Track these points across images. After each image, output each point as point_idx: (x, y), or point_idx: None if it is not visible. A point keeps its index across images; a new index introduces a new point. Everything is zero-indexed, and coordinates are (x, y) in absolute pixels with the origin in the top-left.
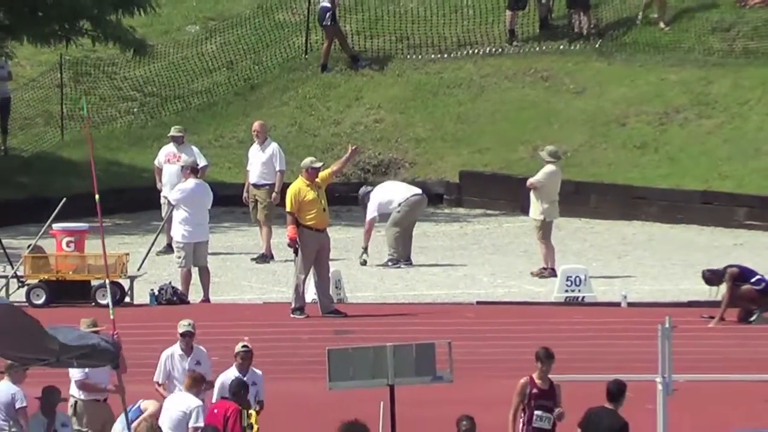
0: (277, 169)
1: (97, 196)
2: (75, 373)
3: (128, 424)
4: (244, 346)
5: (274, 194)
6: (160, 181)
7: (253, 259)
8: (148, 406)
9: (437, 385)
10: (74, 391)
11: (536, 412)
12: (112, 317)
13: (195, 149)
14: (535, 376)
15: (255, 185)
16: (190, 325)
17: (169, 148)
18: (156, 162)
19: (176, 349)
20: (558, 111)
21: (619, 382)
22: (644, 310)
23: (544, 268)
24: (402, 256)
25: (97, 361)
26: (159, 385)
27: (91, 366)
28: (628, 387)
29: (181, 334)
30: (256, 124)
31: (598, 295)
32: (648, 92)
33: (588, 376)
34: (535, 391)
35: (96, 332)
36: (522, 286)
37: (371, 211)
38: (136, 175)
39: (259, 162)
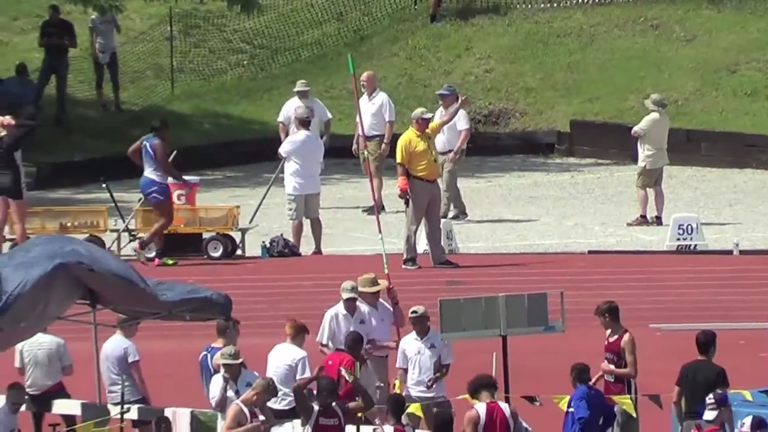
0: (387, 119)
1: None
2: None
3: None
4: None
5: (383, 145)
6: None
7: (363, 211)
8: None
9: (550, 335)
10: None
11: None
12: (386, 272)
13: (320, 103)
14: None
15: (366, 137)
16: (353, 289)
17: (295, 103)
18: (281, 118)
19: (340, 308)
20: (668, 59)
21: (708, 332)
22: (756, 258)
23: (643, 216)
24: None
25: (209, 314)
26: (323, 346)
27: (202, 319)
28: (741, 335)
29: (345, 300)
30: (364, 75)
31: (710, 244)
32: (759, 39)
33: (700, 324)
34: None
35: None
36: (633, 235)
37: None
38: (246, 127)
39: (369, 113)
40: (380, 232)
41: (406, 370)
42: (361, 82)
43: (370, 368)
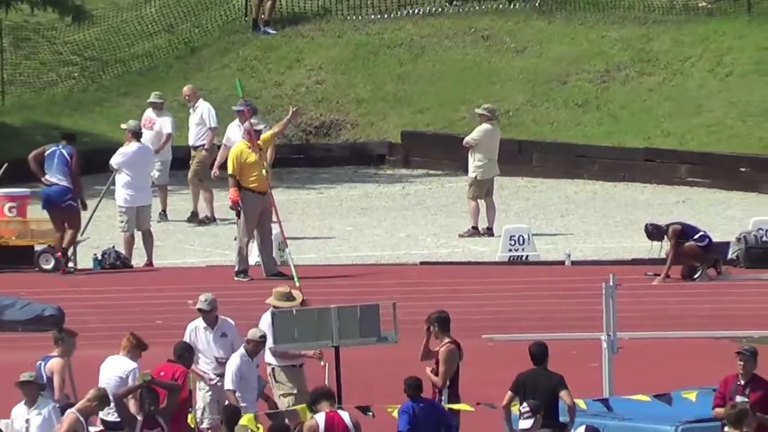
0: (209, 125)
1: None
2: (269, 342)
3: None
4: (204, 301)
5: (204, 152)
6: None
7: (199, 222)
8: (54, 366)
9: (382, 346)
10: (270, 358)
11: None
12: (297, 284)
13: (168, 117)
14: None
15: (192, 147)
16: (206, 301)
17: (148, 113)
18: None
19: (200, 322)
20: (499, 70)
21: (540, 343)
22: (588, 269)
23: (474, 228)
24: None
25: (43, 326)
26: None
27: (36, 330)
28: (574, 345)
29: (198, 310)
30: (185, 88)
31: (542, 254)
32: (589, 50)
33: (533, 335)
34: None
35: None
36: (465, 246)
37: None
38: (78, 140)
39: (193, 124)
40: (287, 246)
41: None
42: (184, 96)
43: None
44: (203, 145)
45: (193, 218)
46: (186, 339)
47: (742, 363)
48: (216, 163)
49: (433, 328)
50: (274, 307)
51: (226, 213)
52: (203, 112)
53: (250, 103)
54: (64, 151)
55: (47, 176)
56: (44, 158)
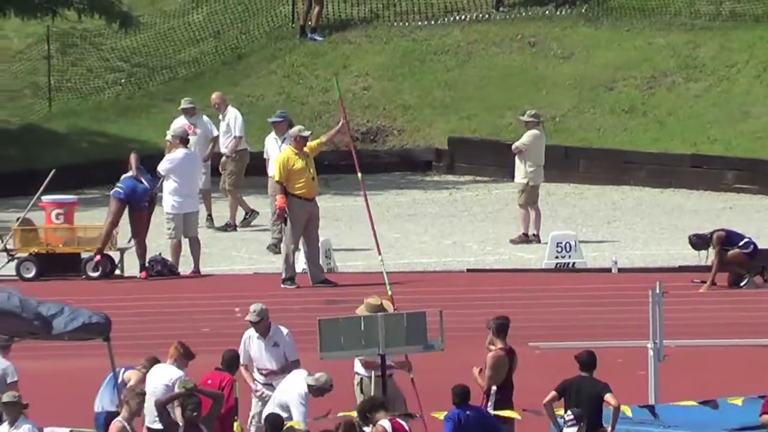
0: (234, 134)
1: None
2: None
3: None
4: (253, 312)
5: (223, 158)
6: None
7: (218, 228)
8: (131, 376)
9: (429, 354)
10: (358, 368)
11: None
12: (389, 293)
13: (206, 119)
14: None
15: (221, 154)
16: (254, 312)
17: (181, 121)
18: (168, 136)
19: (254, 331)
20: (545, 76)
21: (590, 352)
22: (635, 276)
23: (525, 234)
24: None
25: (89, 334)
26: (243, 366)
27: (82, 339)
28: (620, 353)
29: (249, 321)
30: (213, 96)
31: (589, 261)
32: (635, 56)
33: (579, 343)
34: None
35: None
36: (512, 253)
37: None
38: (123, 146)
39: (222, 131)
40: (380, 253)
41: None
42: (213, 105)
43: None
44: (239, 151)
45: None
46: (241, 347)
47: None
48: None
49: (490, 330)
50: None
51: (261, 219)
52: (230, 119)
53: (285, 114)
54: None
55: (138, 176)
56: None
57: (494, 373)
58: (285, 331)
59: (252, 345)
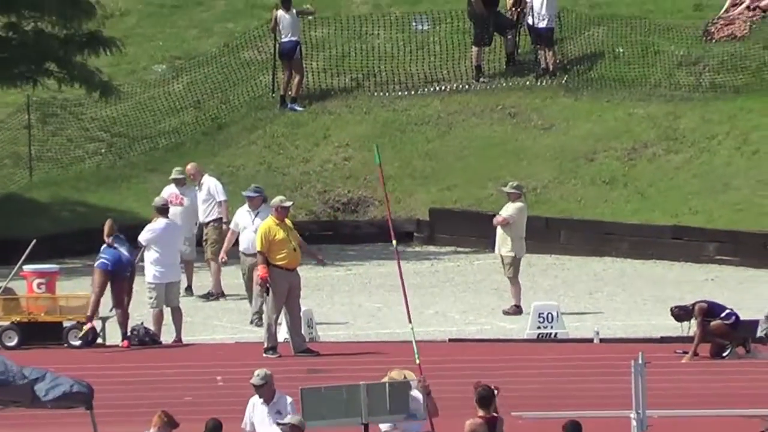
0: (218, 199)
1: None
2: (382, 425)
3: None
4: (257, 376)
5: (224, 225)
6: None
7: (200, 296)
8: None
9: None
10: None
11: None
12: (417, 362)
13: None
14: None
15: (204, 223)
16: (258, 376)
17: (171, 189)
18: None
19: (257, 398)
20: (526, 147)
21: (576, 423)
22: (617, 346)
23: (516, 306)
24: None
25: (72, 403)
26: None
27: (65, 407)
28: (602, 423)
29: (252, 385)
30: (189, 167)
31: (571, 332)
32: (616, 127)
33: (562, 413)
34: None
35: None
36: (494, 323)
37: None
38: (104, 215)
39: (201, 200)
40: (410, 321)
41: None
42: (189, 176)
43: None
44: (215, 220)
45: (210, 297)
46: (246, 414)
47: None
48: (224, 248)
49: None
50: None
51: (238, 289)
52: (210, 187)
53: (261, 189)
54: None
55: (119, 246)
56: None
57: None
58: (289, 400)
59: (255, 412)
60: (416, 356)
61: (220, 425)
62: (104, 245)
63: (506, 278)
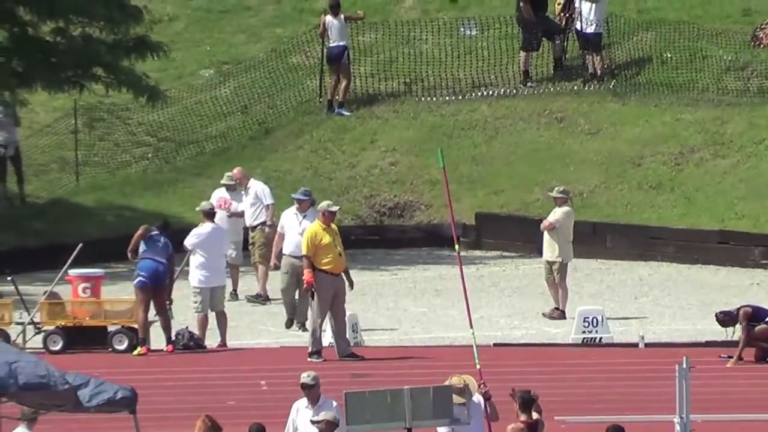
0: (266, 203)
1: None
2: (440, 428)
3: None
4: (307, 376)
5: (267, 228)
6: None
7: (248, 299)
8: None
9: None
10: None
11: None
12: (478, 367)
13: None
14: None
15: (250, 227)
16: (308, 376)
17: (222, 193)
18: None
19: (302, 402)
20: (573, 152)
21: (619, 427)
22: (661, 351)
23: (556, 308)
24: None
25: (115, 407)
26: None
27: (108, 412)
28: (646, 427)
29: (300, 386)
30: (235, 171)
31: (615, 336)
32: (663, 132)
33: (605, 417)
34: None
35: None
36: (539, 328)
37: None
38: (150, 220)
39: (248, 204)
40: (471, 326)
41: None
42: (234, 179)
43: None
44: (262, 223)
45: (257, 299)
46: (289, 420)
47: None
48: (274, 252)
49: (515, 404)
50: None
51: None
52: (257, 191)
53: (309, 193)
54: (164, 239)
55: (152, 255)
56: (147, 239)
57: None
58: (335, 404)
59: (299, 417)
60: (476, 361)
61: (263, 429)
62: (138, 256)
63: (546, 283)
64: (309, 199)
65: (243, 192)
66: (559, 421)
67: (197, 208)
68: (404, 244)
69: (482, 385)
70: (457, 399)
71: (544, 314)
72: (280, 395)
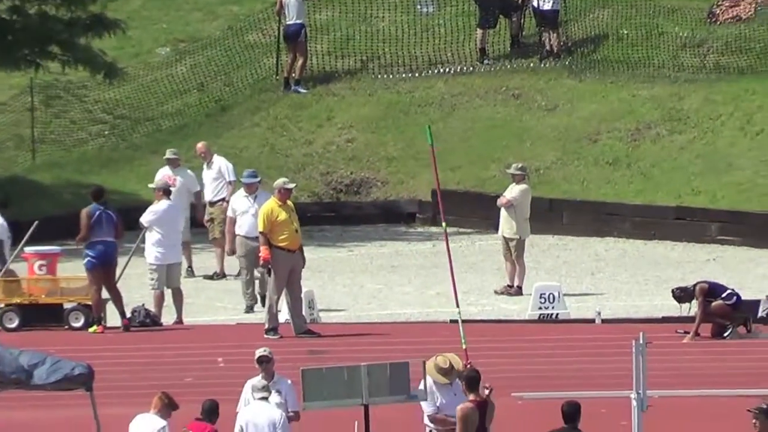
0: (228, 179)
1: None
2: (426, 407)
3: None
4: (264, 350)
5: (226, 205)
6: None
7: (206, 277)
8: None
9: (411, 404)
10: (427, 421)
11: None
12: (464, 347)
13: (190, 172)
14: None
15: (210, 203)
16: (264, 350)
17: (165, 171)
18: (154, 185)
19: (257, 378)
20: (529, 128)
21: (573, 402)
22: (618, 327)
23: (509, 286)
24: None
25: (72, 385)
26: None
27: (65, 389)
28: (603, 403)
29: (257, 360)
30: (199, 145)
31: (572, 312)
32: (619, 109)
33: (562, 393)
34: None
35: None
36: (496, 304)
37: None
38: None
39: (210, 179)
40: (458, 306)
41: None
42: (199, 154)
43: None
44: (222, 199)
45: (216, 277)
46: (242, 396)
47: (755, 422)
48: (228, 240)
49: (462, 384)
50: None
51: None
52: (221, 166)
53: (256, 174)
54: (109, 212)
55: (99, 236)
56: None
57: (462, 426)
58: (289, 381)
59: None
60: (463, 340)
61: (217, 405)
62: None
63: (503, 259)
64: (257, 180)
65: (205, 166)
66: (516, 397)
67: (151, 185)
68: (360, 221)
69: (468, 365)
70: (441, 379)
71: (496, 291)
72: (238, 372)
